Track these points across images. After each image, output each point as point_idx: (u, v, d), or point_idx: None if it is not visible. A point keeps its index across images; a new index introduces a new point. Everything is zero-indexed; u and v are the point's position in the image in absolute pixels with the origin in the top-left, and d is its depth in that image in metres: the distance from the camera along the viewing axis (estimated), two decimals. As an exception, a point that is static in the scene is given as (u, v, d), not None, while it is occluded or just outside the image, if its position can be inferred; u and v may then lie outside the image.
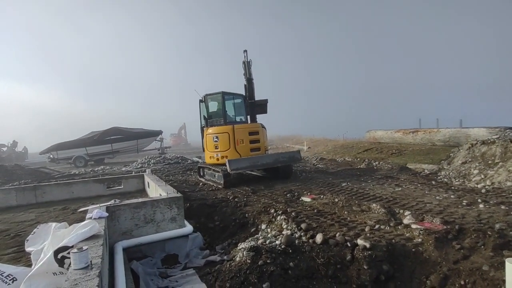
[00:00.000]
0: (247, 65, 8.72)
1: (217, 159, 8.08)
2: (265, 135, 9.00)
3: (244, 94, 8.89)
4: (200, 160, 15.24)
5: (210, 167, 8.47)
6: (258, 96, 9.19)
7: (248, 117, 9.03)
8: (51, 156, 19.76)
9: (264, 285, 2.94)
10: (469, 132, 11.40)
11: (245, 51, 8.68)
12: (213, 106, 8.66)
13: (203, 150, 8.98)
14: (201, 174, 9.51)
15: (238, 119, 8.88)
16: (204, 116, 8.65)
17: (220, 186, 7.71)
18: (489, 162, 6.82)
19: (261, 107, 9.07)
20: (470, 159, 7.41)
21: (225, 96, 8.28)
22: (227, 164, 7.27)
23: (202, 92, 8.69)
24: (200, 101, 8.75)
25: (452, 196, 5.19)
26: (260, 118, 9.29)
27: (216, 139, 8.06)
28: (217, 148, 8.07)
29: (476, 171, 6.73)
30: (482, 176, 6.42)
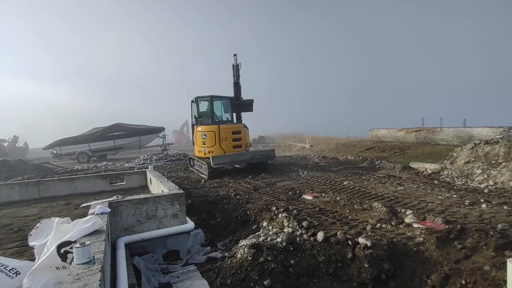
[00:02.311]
0: (235, 68, 9.58)
1: (204, 154, 9.30)
2: (246, 134, 10.14)
3: (231, 96, 9.81)
4: None
5: (198, 159, 9.58)
6: (258, 94, 9.74)
7: (235, 115, 10.09)
8: (54, 151, 19.88)
9: (264, 282, 2.95)
10: (473, 131, 11.34)
11: (235, 55, 9.56)
12: (203, 107, 9.69)
13: (193, 145, 10.14)
14: (191, 164, 10.78)
15: (225, 118, 9.96)
16: (194, 116, 9.75)
17: (204, 177, 8.75)
18: (492, 162, 6.78)
19: (247, 106, 10.07)
20: (473, 159, 7.36)
21: (213, 99, 9.36)
22: (210, 159, 8.29)
23: (195, 93, 9.65)
24: (192, 102, 9.77)
25: (454, 196, 5.17)
26: (253, 118, 10.47)
27: (204, 136, 9.25)
28: (205, 144, 9.27)
29: (479, 171, 6.69)
30: (485, 176, 6.38)
